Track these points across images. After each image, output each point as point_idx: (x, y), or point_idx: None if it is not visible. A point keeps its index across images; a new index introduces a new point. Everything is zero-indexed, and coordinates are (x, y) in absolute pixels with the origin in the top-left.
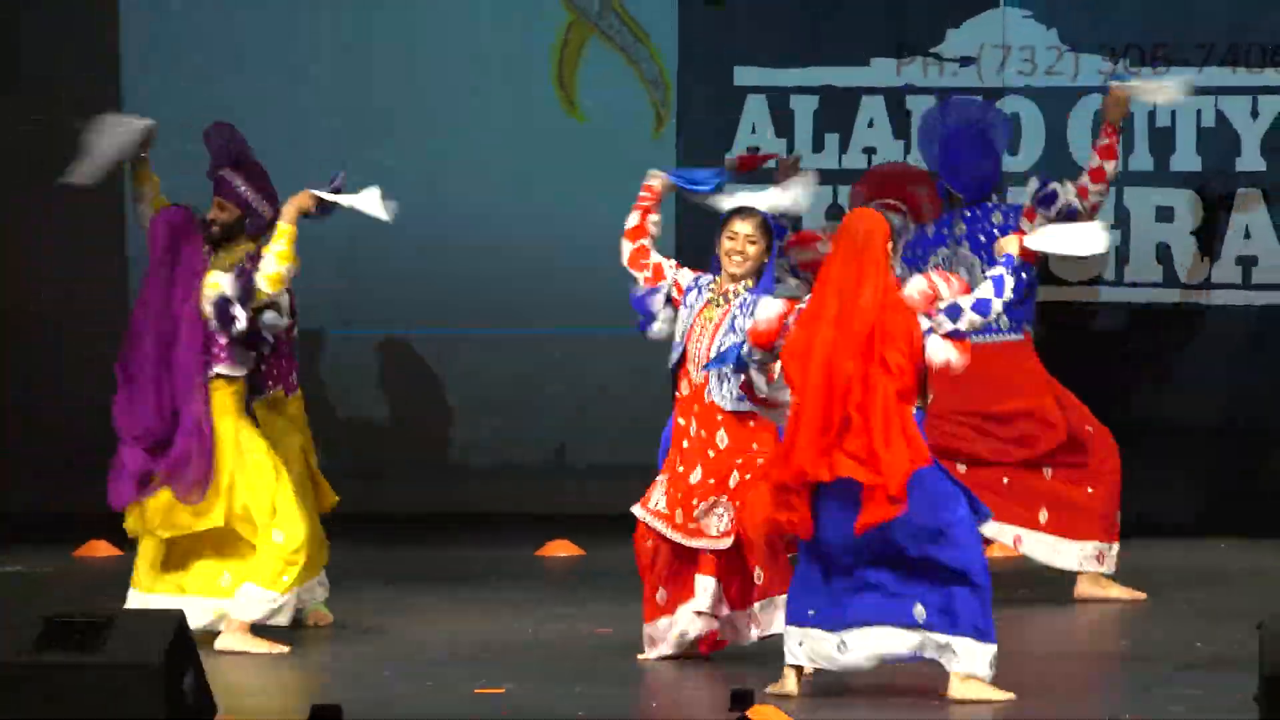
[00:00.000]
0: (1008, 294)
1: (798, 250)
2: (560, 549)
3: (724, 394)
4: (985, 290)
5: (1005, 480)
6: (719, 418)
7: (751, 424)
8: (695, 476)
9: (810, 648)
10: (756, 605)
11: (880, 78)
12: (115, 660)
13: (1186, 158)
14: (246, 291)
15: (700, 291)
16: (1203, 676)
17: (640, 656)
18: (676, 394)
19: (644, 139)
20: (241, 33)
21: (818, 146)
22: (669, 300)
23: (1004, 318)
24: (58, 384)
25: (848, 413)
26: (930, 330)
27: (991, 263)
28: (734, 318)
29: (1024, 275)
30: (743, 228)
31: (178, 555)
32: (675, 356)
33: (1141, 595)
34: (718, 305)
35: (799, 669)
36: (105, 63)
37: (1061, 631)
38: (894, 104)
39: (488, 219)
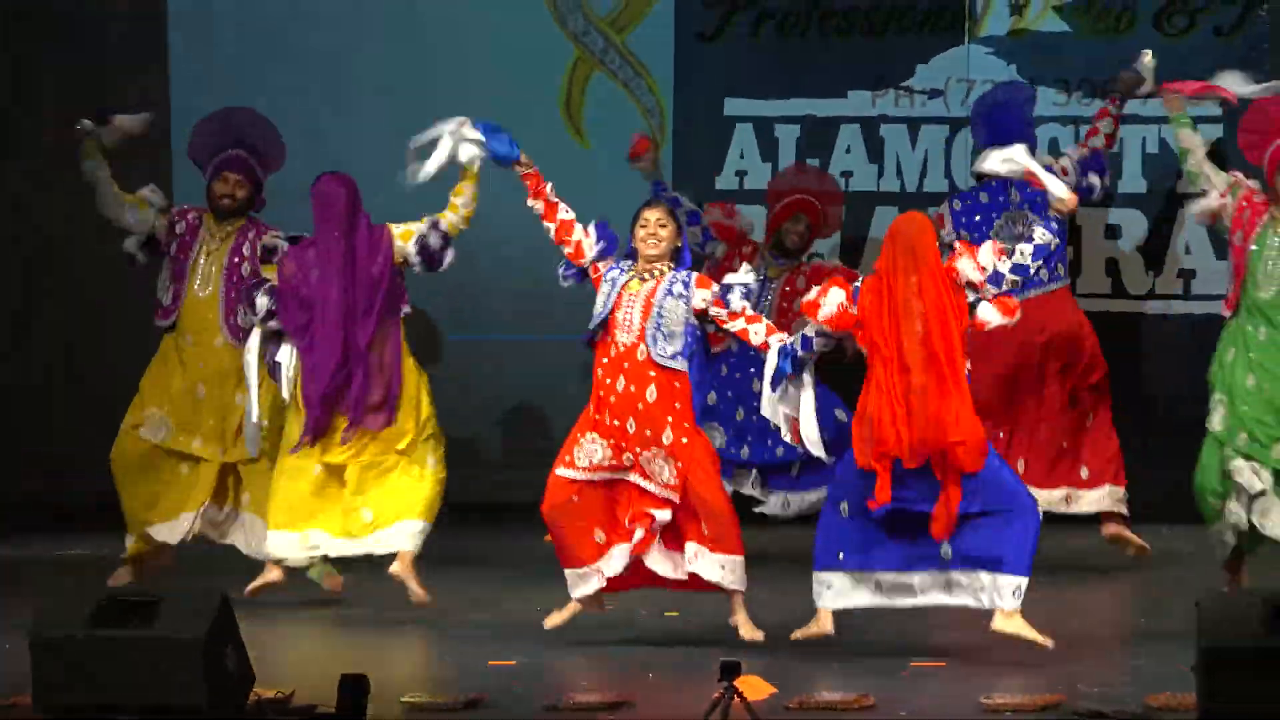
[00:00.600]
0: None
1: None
2: None
3: (659, 351)
4: (1024, 255)
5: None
6: (651, 374)
7: (676, 383)
8: (631, 428)
9: (840, 591)
10: (690, 549)
11: (856, 108)
12: (163, 635)
13: (1133, 180)
14: (444, 236)
15: (622, 271)
16: (1146, 650)
17: (577, 596)
18: (601, 358)
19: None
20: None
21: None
22: (586, 275)
23: (1043, 270)
24: (113, 376)
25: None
26: (979, 299)
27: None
28: (666, 294)
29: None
30: (652, 215)
31: (311, 496)
32: (596, 324)
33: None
34: (643, 280)
35: (832, 612)
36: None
37: (1053, 602)
38: (869, 132)
39: (505, 233)
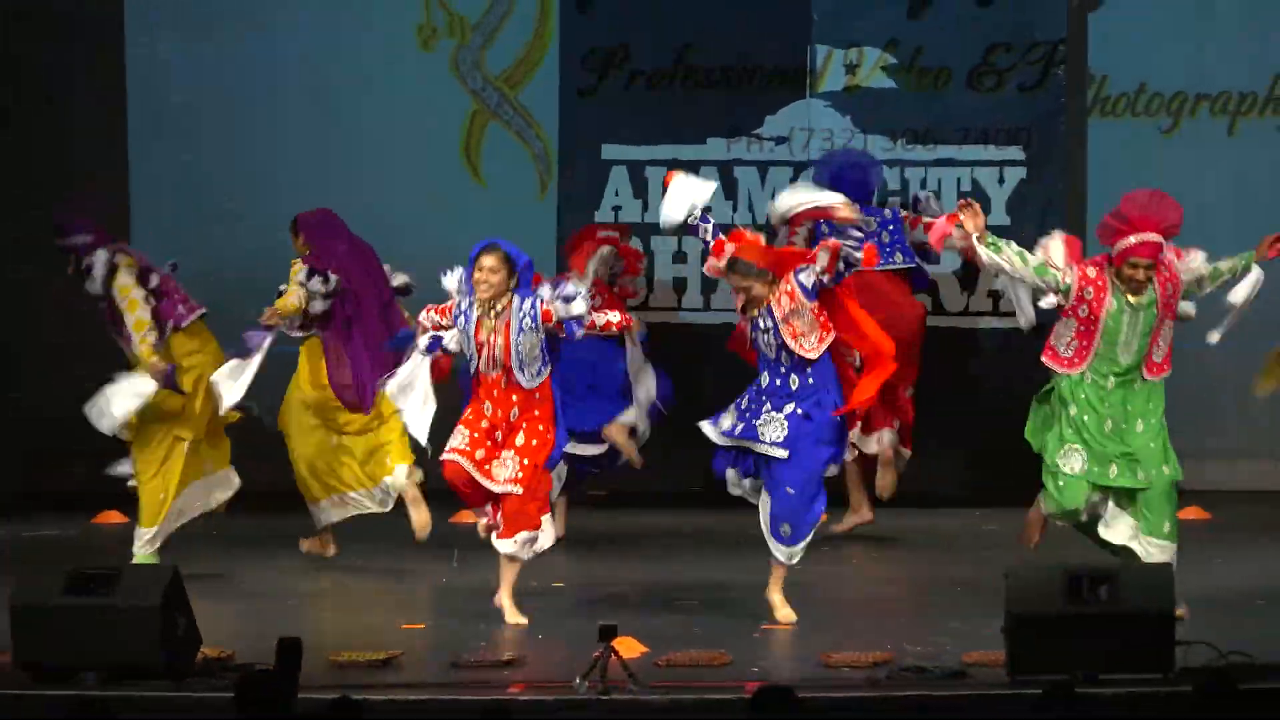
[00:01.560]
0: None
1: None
2: None
3: (525, 379)
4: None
5: None
6: (514, 398)
7: (536, 395)
8: (496, 437)
9: None
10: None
11: (714, 153)
12: (123, 603)
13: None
14: None
15: (467, 315)
16: (958, 615)
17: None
18: (477, 384)
19: (531, 200)
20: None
21: None
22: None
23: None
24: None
25: None
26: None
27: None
28: (520, 330)
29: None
30: (486, 261)
31: (326, 466)
32: (473, 361)
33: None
34: (491, 316)
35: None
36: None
37: (846, 579)
38: (725, 174)
39: (411, 260)
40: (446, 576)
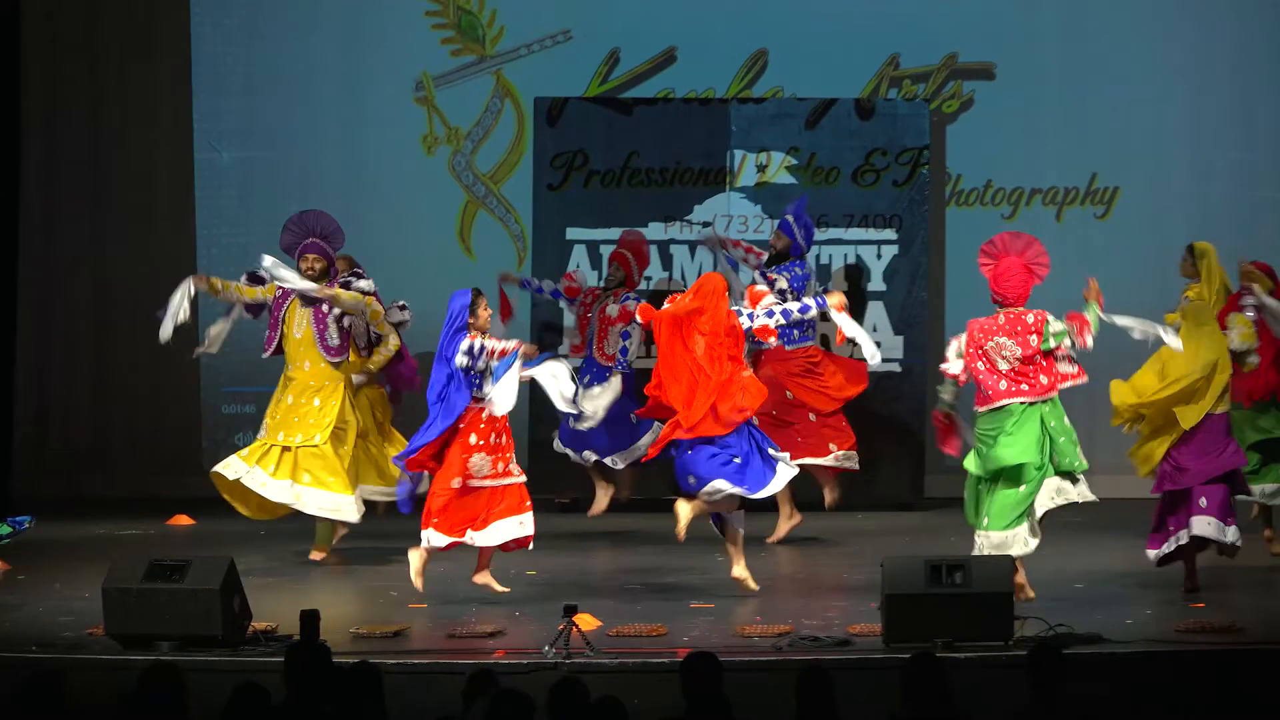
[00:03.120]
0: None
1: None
2: None
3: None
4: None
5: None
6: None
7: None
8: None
9: None
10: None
11: (654, 234)
12: (191, 587)
13: (838, 282)
14: None
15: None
16: (846, 596)
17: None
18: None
19: (511, 271)
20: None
21: None
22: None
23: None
24: (148, 393)
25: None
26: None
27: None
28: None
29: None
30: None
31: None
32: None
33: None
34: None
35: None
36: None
37: (758, 569)
38: (663, 250)
39: (419, 316)
40: (444, 566)
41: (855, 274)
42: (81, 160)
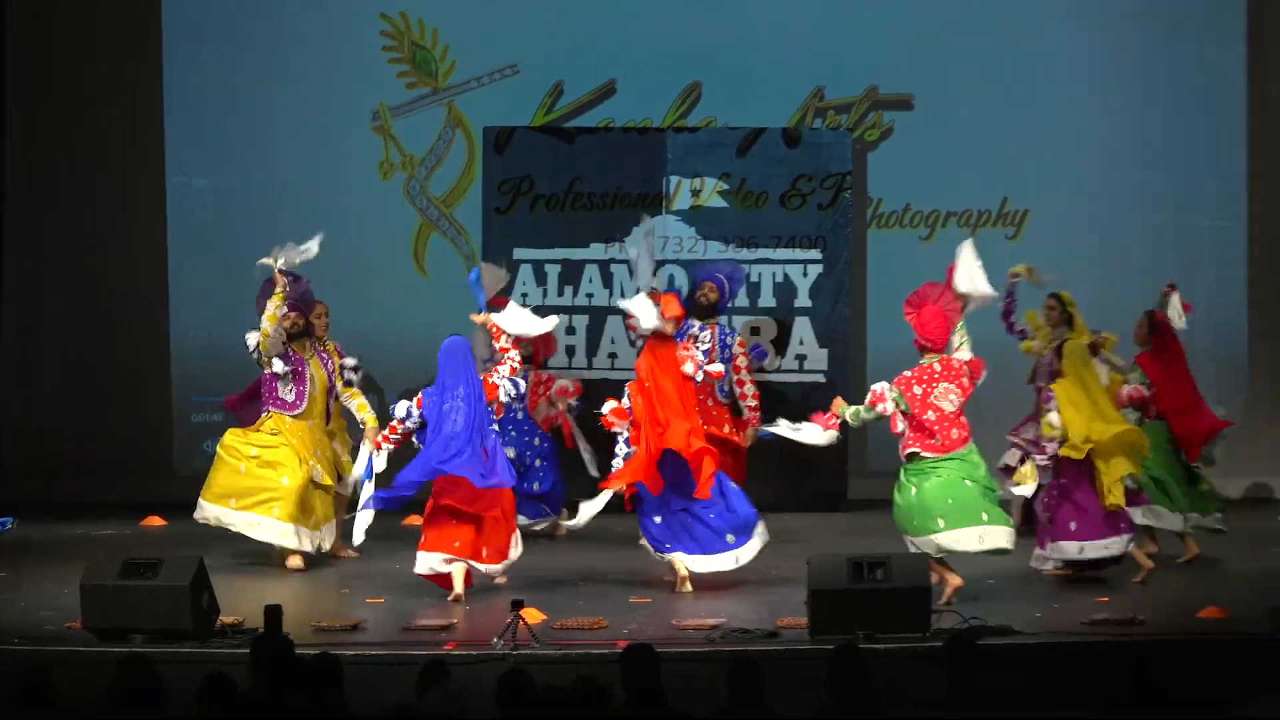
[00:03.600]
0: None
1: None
2: None
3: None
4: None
5: None
6: None
7: None
8: None
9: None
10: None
11: (596, 254)
12: (163, 583)
13: (767, 299)
14: None
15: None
16: (773, 590)
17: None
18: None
19: (462, 290)
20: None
21: (560, 294)
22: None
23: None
24: (123, 403)
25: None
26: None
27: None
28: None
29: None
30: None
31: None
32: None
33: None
34: None
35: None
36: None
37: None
38: (604, 269)
39: (378, 331)
40: (399, 565)
41: (785, 292)
42: (63, 180)
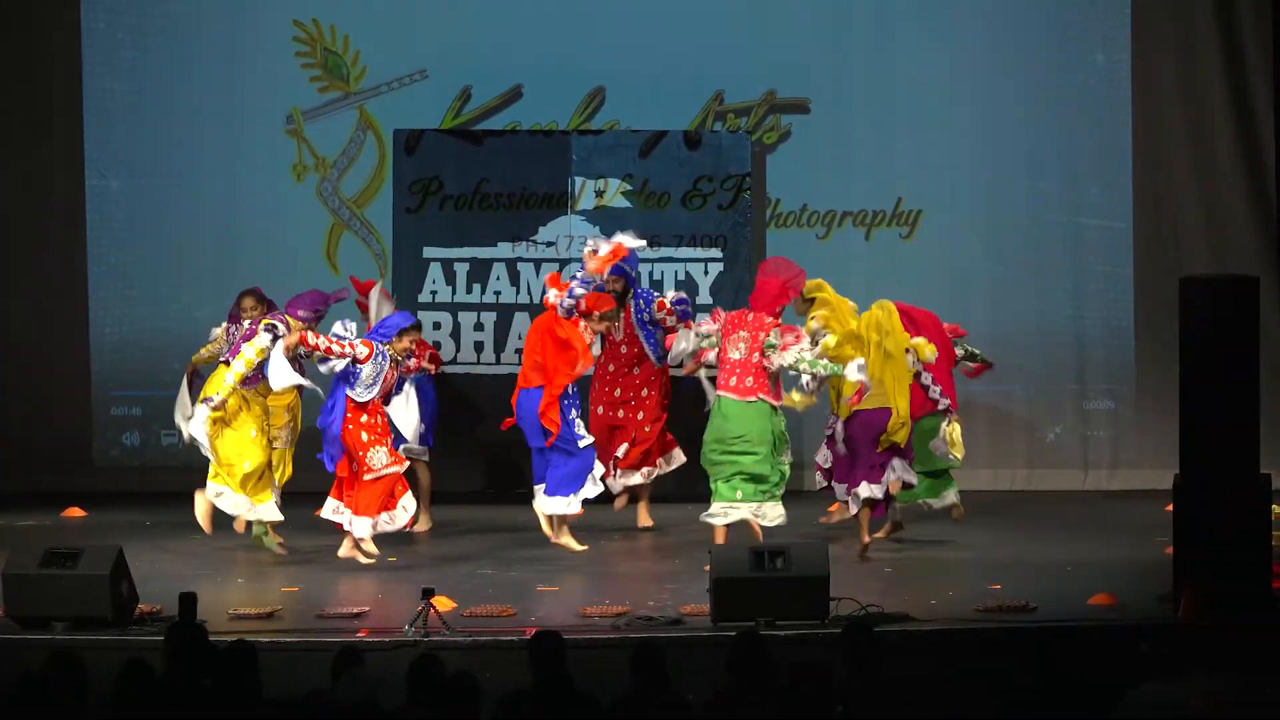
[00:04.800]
0: None
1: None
2: None
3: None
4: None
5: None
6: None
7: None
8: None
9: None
10: None
11: (503, 253)
12: (83, 572)
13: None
14: None
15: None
16: (678, 580)
17: None
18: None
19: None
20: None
21: (469, 292)
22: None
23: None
24: (42, 396)
25: None
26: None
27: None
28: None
29: None
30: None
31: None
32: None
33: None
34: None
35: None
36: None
37: (596, 557)
38: (510, 268)
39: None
40: (315, 554)
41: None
42: None
